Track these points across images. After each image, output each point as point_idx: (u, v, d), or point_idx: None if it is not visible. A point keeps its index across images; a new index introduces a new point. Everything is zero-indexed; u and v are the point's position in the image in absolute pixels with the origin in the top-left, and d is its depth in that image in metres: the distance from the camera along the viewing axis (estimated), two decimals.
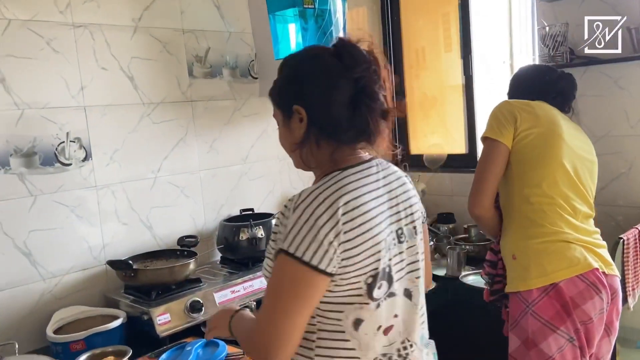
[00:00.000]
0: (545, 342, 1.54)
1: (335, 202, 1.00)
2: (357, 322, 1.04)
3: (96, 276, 2.01)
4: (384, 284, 1.05)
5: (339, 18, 2.51)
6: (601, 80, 2.34)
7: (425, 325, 1.19)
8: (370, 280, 1.03)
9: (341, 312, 1.04)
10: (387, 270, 1.06)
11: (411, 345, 1.11)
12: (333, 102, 1.06)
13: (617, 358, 1.95)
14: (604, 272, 1.59)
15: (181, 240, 2.16)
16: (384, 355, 1.08)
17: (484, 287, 1.99)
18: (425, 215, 1.25)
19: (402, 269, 1.10)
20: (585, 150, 1.77)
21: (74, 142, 1.95)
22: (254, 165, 2.51)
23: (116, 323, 1.75)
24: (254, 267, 2.17)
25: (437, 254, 2.54)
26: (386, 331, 1.08)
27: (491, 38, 2.95)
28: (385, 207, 1.08)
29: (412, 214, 1.14)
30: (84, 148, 1.98)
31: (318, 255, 0.98)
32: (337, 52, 1.08)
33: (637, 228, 2.04)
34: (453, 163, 2.97)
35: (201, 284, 1.99)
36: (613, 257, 1.73)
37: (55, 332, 1.73)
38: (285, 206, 1.05)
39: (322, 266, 0.99)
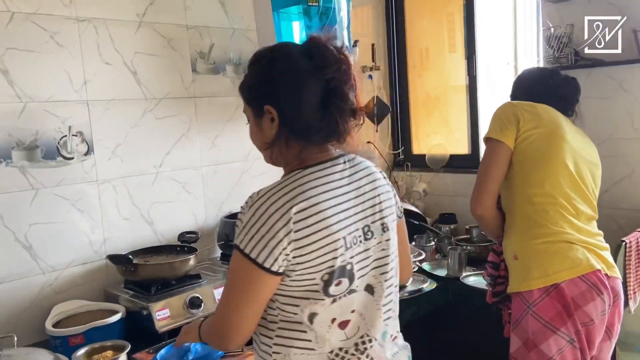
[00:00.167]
0: (545, 343, 1.53)
1: (289, 201, 1.03)
2: (312, 316, 1.07)
3: (96, 270, 2.01)
4: (345, 281, 1.07)
5: (343, 16, 2.50)
6: (605, 83, 2.33)
7: (392, 322, 1.19)
8: (326, 277, 1.05)
9: (297, 305, 1.08)
10: (348, 267, 1.07)
11: (370, 341, 1.12)
12: (304, 103, 1.07)
13: None
14: (606, 274, 1.58)
15: (182, 236, 2.16)
16: (341, 349, 1.10)
17: (486, 288, 1.98)
18: (402, 211, 1.27)
19: (366, 265, 1.12)
20: (588, 153, 1.76)
21: (76, 136, 1.95)
22: (255, 163, 2.50)
23: (115, 318, 1.75)
24: None
25: (438, 254, 2.53)
26: (342, 325, 1.09)
27: (495, 39, 2.95)
28: (349, 205, 1.09)
29: (381, 210, 1.15)
30: (86, 142, 1.98)
31: (264, 254, 1.02)
32: (308, 51, 1.09)
33: (639, 231, 2.03)
34: (455, 163, 2.96)
35: (201, 280, 1.98)
36: (615, 260, 1.72)
37: (54, 325, 1.73)
38: (246, 202, 1.07)
39: (267, 265, 1.02)
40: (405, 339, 1.31)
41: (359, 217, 1.10)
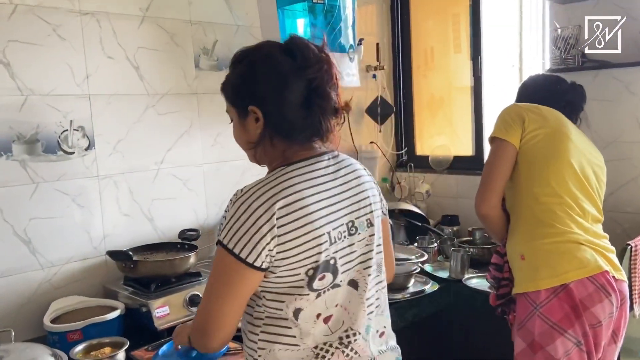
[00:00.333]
0: (552, 345, 1.51)
1: (272, 197, 1.04)
2: (297, 311, 1.08)
3: (95, 267, 1.99)
4: (328, 275, 1.09)
5: (348, 15, 2.49)
6: (612, 85, 2.30)
7: (378, 318, 1.19)
8: (311, 272, 1.07)
9: (282, 301, 1.09)
10: (331, 262, 1.09)
11: (354, 334, 1.13)
12: (288, 103, 1.09)
13: None
14: (613, 277, 1.56)
15: (182, 234, 2.14)
16: (325, 343, 1.11)
17: (489, 290, 1.96)
18: (387, 209, 1.27)
19: (350, 260, 1.13)
20: (593, 155, 1.76)
21: (78, 130, 1.93)
22: None
23: (114, 314, 1.73)
24: None
25: (441, 256, 2.51)
26: (326, 320, 1.11)
27: (501, 41, 2.93)
28: (333, 201, 1.10)
29: (366, 206, 1.17)
30: (87, 137, 1.96)
31: (247, 250, 1.03)
32: (290, 51, 1.10)
33: None
34: (459, 165, 2.94)
35: (201, 278, 1.97)
36: (620, 264, 1.70)
37: (53, 321, 1.72)
38: (230, 200, 1.08)
39: (250, 260, 1.03)
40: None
41: (343, 213, 1.12)
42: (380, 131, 3.05)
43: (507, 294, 1.71)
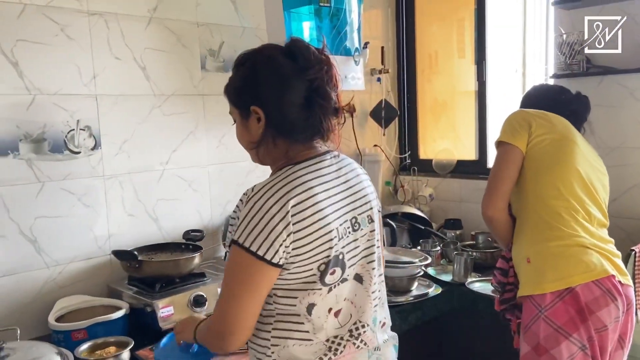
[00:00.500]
0: (557, 349, 1.51)
1: (285, 195, 1.06)
2: (311, 307, 1.11)
3: (100, 266, 2.00)
4: (338, 270, 1.12)
5: (354, 18, 2.50)
6: (617, 91, 2.31)
7: (380, 309, 1.24)
8: (322, 267, 1.10)
9: (295, 297, 1.11)
10: (340, 257, 1.12)
11: (363, 326, 1.17)
12: (289, 104, 1.12)
13: None
14: (619, 281, 1.57)
15: (187, 234, 2.14)
16: (336, 336, 1.14)
17: (492, 294, 1.97)
18: (380, 206, 1.30)
19: (355, 255, 1.17)
20: (597, 163, 1.78)
21: (84, 130, 1.94)
22: None
23: (119, 314, 1.73)
24: None
25: (444, 259, 2.52)
26: (336, 314, 1.15)
27: (504, 46, 2.93)
28: (338, 198, 1.14)
29: (366, 203, 1.21)
30: (94, 137, 1.97)
31: (265, 247, 1.04)
32: (291, 53, 1.13)
33: None
34: (462, 169, 2.94)
35: (205, 279, 1.97)
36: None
37: (57, 320, 1.72)
38: (240, 200, 1.10)
39: (268, 257, 1.04)
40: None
41: (347, 209, 1.16)
42: (384, 134, 3.06)
43: (511, 298, 1.71)
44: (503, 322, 1.78)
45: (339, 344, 1.14)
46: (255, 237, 1.04)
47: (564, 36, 2.31)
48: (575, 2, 2.29)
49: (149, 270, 1.88)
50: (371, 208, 1.22)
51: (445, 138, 3.13)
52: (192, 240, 2.11)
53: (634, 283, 1.85)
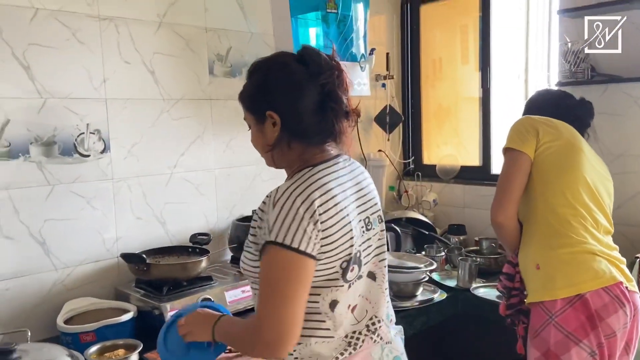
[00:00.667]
0: (567, 354, 1.53)
1: (310, 195, 1.10)
2: (333, 303, 1.15)
3: (108, 269, 2.01)
4: (356, 267, 1.17)
5: (360, 26, 2.52)
6: (621, 99, 2.33)
7: (390, 305, 1.31)
8: (344, 264, 1.14)
9: (319, 294, 1.15)
10: (357, 255, 1.17)
11: (379, 321, 1.23)
12: (303, 107, 1.16)
13: None
14: (626, 288, 1.58)
15: (193, 238, 2.15)
16: (354, 332, 1.19)
17: (497, 300, 1.98)
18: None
19: (369, 254, 1.22)
20: (602, 169, 1.79)
21: (94, 133, 1.95)
22: (267, 167, 2.47)
23: (127, 316, 1.74)
24: None
25: (448, 265, 2.53)
26: (352, 309, 1.20)
27: (507, 52, 2.95)
28: (353, 199, 1.19)
29: (375, 204, 1.27)
30: (103, 140, 1.98)
31: (304, 241, 1.07)
32: (302, 59, 1.18)
33: None
34: (466, 175, 2.96)
35: (212, 282, 1.98)
36: None
37: (65, 322, 1.73)
38: (264, 202, 1.13)
39: (308, 250, 1.08)
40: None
41: (361, 210, 1.21)
42: (388, 140, 3.07)
43: (517, 303, 1.72)
44: (508, 327, 1.79)
45: (358, 339, 1.19)
46: (293, 234, 1.07)
47: (569, 44, 2.33)
48: (580, 10, 2.31)
49: (156, 273, 1.89)
50: (379, 209, 1.28)
51: (449, 144, 3.15)
52: (198, 244, 2.13)
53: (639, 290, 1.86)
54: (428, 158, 3.22)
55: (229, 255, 2.36)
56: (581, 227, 1.62)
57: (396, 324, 1.35)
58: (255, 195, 2.47)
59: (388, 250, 1.47)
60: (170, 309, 1.77)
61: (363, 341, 1.19)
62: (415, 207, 3.05)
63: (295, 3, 2.33)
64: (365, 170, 1.31)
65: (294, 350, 1.15)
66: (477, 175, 2.92)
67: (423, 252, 2.56)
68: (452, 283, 2.29)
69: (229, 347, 1.44)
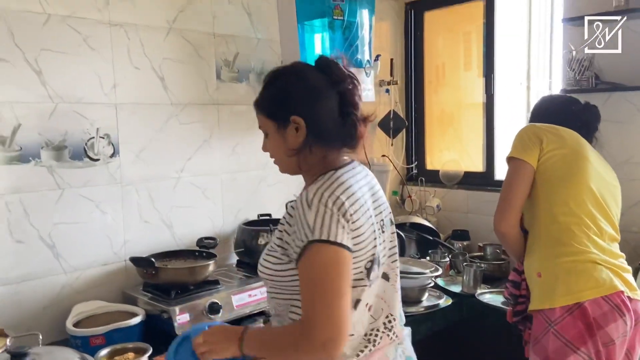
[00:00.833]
0: None
1: (340, 197, 1.13)
2: (357, 302, 1.19)
3: (116, 272, 2.03)
4: (376, 267, 1.21)
5: (365, 31, 2.54)
6: (625, 107, 2.35)
7: (401, 305, 1.34)
8: (369, 264, 1.18)
9: None
10: (377, 255, 1.21)
11: (394, 319, 1.27)
12: (327, 112, 1.21)
13: None
14: (628, 297, 1.59)
15: (200, 241, 2.17)
16: (372, 330, 1.23)
17: (502, 306, 1.99)
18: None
19: (384, 255, 1.27)
20: (609, 176, 1.79)
21: (103, 138, 1.97)
22: (272, 171, 2.48)
23: (136, 320, 1.76)
24: None
25: (452, 270, 2.54)
26: (369, 308, 1.23)
27: (509, 59, 2.98)
28: (370, 201, 1.23)
29: (386, 207, 1.31)
30: (113, 145, 2.00)
31: (347, 238, 1.11)
32: (321, 69, 1.23)
33: None
34: (469, 180, 2.98)
35: (219, 286, 1.99)
36: None
37: (75, 325, 1.74)
38: (292, 207, 1.17)
39: (349, 244, 1.11)
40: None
41: (376, 212, 1.25)
42: (391, 145, 3.09)
43: (523, 311, 1.73)
44: (511, 327, 1.81)
45: (376, 335, 1.22)
46: (336, 229, 1.09)
47: (574, 53, 2.35)
48: (584, 19, 2.33)
49: (164, 277, 1.90)
50: (390, 212, 1.32)
51: (452, 149, 3.17)
52: (205, 248, 2.14)
53: None
54: (431, 163, 3.24)
55: (234, 259, 2.37)
56: (584, 235, 1.63)
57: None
58: (260, 200, 2.49)
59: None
60: (179, 313, 1.79)
61: (381, 338, 1.22)
62: (418, 212, 3.07)
63: (302, 10, 2.35)
64: (373, 175, 1.36)
65: None
66: (480, 181, 2.94)
67: (427, 258, 2.57)
68: (456, 289, 2.31)
69: None
